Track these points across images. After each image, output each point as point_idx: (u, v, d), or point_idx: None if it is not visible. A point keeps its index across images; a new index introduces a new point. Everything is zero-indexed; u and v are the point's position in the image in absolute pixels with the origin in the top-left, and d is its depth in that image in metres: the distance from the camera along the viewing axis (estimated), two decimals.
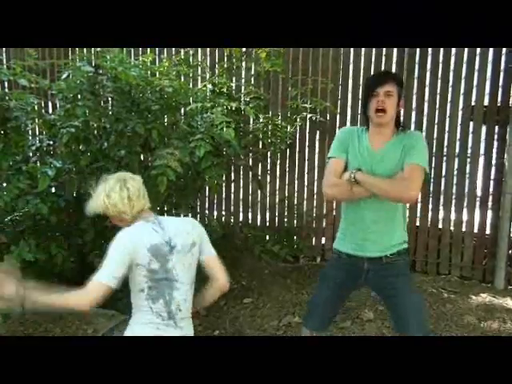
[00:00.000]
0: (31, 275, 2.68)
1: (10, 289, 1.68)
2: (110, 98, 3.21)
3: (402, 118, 2.27)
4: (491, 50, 3.63)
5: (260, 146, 4.02)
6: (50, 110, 4.03)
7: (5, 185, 2.92)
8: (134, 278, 1.85)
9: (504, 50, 3.59)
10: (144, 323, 1.86)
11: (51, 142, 3.21)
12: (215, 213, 4.40)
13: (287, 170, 4.20)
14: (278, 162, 4.19)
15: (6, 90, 4.05)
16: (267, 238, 3.94)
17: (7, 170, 2.91)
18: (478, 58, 3.65)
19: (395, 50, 3.83)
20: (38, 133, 3.96)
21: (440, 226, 3.90)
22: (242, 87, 3.85)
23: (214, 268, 2.03)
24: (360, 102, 3.87)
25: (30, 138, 3.40)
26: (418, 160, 2.07)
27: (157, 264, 1.85)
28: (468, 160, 3.77)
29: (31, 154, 3.15)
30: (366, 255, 2.17)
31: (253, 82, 4.00)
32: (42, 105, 4.04)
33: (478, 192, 3.80)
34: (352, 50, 3.92)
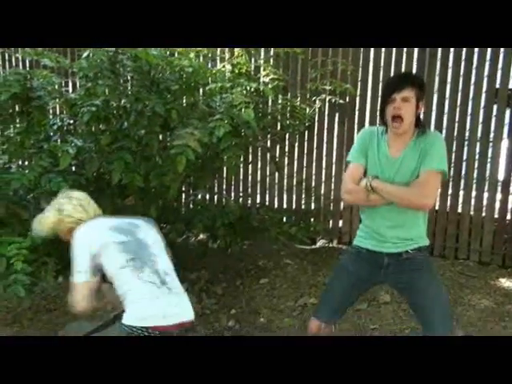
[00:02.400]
0: (53, 252, 2.76)
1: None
2: (129, 78, 3.22)
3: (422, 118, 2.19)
4: None
5: (278, 128, 4.01)
6: (71, 90, 4.06)
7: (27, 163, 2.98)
8: (110, 259, 1.89)
9: None
10: (142, 297, 1.85)
11: (72, 121, 3.24)
12: (232, 194, 4.42)
13: (305, 152, 4.18)
14: (297, 143, 4.18)
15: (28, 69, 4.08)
16: (284, 219, 3.96)
17: (30, 148, 2.96)
18: None
19: None
20: (58, 112, 4.01)
21: (459, 210, 3.86)
22: (261, 68, 3.83)
23: None
24: (380, 85, 3.83)
25: (52, 117, 3.43)
26: (433, 165, 2.03)
27: (125, 237, 1.93)
28: (490, 144, 3.71)
29: (52, 133, 3.19)
30: (386, 251, 2.15)
31: (272, 62, 3.96)
32: (63, 84, 4.07)
33: (500, 176, 3.75)
34: None
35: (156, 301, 1.86)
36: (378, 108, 2.21)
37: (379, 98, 3.76)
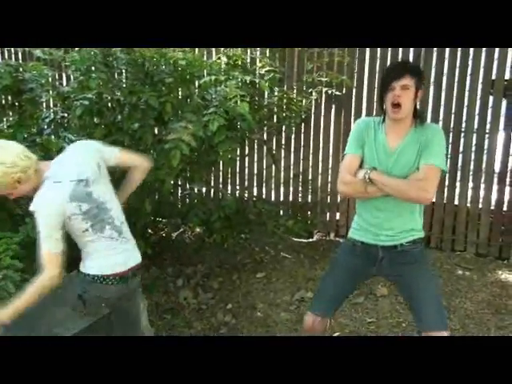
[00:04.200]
0: None
1: None
2: (123, 71, 3.18)
3: (419, 110, 2.15)
4: None
5: (275, 120, 3.98)
6: (65, 83, 4.02)
7: None
8: (73, 226, 1.94)
9: None
10: (104, 252, 1.99)
11: (65, 115, 3.21)
12: (229, 187, 4.40)
13: (302, 144, 4.15)
14: (293, 136, 4.15)
15: (20, 62, 4.03)
16: (281, 213, 3.93)
17: (22, 142, 2.92)
18: None
19: None
20: (52, 105, 3.97)
21: (456, 202, 3.85)
22: (257, 60, 3.79)
23: (128, 159, 2.16)
24: (376, 76, 3.80)
25: (44, 110, 3.39)
26: (433, 160, 2.01)
27: (85, 205, 1.95)
28: (486, 135, 3.70)
29: (45, 127, 3.16)
30: (381, 244, 2.13)
31: (268, 54, 3.93)
32: (56, 77, 4.02)
33: (496, 168, 3.73)
34: None
35: (115, 251, 2.01)
36: (377, 96, 2.18)
37: (376, 90, 3.80)
